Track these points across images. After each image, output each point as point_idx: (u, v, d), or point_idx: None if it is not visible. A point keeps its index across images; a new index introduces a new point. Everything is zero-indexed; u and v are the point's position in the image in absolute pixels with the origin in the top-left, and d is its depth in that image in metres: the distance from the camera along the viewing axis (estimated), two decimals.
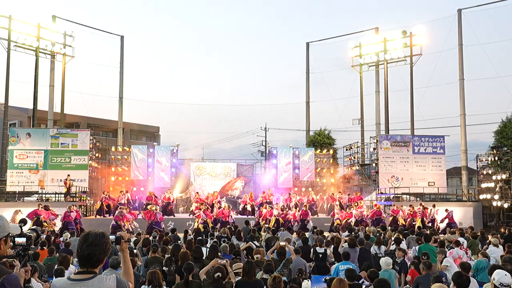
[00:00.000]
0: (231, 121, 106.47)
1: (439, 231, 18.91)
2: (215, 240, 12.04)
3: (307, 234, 14.05)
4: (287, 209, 21.42)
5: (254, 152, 42.20)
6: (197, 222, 18.97)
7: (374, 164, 27.69)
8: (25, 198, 23.48)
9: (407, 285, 8.40)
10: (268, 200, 23.23)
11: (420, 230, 16.69)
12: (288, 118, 78.30)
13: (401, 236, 12.12)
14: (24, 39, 27.49)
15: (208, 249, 9.17)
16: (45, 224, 17.98)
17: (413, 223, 20.10)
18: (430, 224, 20.11)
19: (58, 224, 19.03)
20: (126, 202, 22.24)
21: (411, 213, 20.69)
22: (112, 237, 3.26)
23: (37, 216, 18.33)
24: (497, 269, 5.81)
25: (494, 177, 24.91)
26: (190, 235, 13.53)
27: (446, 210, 21.27)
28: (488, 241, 12.45)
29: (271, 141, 42.14)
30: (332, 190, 26.32)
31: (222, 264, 7.06)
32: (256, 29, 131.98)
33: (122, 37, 32.26)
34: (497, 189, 24.46)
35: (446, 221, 20.76)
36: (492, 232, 15.15)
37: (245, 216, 22.19)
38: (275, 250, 9.18)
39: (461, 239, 12.05)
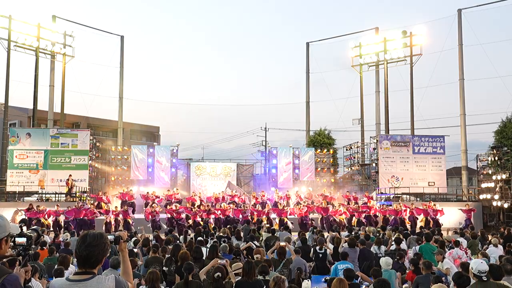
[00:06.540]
0: (231, 121, 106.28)
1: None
2: (215, 240, 12.04)
3: (307, 234, 14.03)
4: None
5: (254, 152, 42.13)
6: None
7: (374, 164, 27.68)
8: (25, 198, 23.47)
9: (407, 285, 8.40)
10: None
11: (421, 230, 16.67)
12: (288, 118, 77.92)
13: (401, 236, 12.12)
14: (24, 39, 27.49)
15: (208, 249, 9.16)
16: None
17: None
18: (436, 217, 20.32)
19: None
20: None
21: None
22: (111, 237, 3.26)
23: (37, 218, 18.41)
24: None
25: (494, 177, 24.90)
26: (189, 235, 13.57)
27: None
28: (488, 241, 12.44)
29: (271, 141, 42.14)
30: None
31: (222, 264, 7.05)
32: (256, 29, 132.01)
33: (122, 37, 32.29)
34: (497, 189, 24.44)
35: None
36: (492, 232, 15.12)
37: None
38: (275, 250, 9.18)
39: (460, 239, 12.04)
